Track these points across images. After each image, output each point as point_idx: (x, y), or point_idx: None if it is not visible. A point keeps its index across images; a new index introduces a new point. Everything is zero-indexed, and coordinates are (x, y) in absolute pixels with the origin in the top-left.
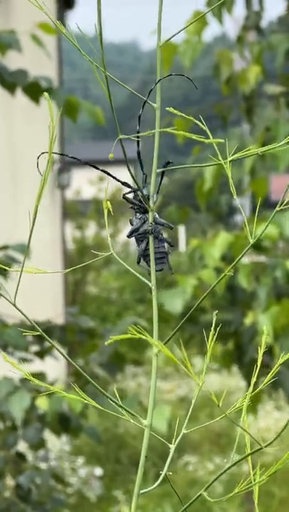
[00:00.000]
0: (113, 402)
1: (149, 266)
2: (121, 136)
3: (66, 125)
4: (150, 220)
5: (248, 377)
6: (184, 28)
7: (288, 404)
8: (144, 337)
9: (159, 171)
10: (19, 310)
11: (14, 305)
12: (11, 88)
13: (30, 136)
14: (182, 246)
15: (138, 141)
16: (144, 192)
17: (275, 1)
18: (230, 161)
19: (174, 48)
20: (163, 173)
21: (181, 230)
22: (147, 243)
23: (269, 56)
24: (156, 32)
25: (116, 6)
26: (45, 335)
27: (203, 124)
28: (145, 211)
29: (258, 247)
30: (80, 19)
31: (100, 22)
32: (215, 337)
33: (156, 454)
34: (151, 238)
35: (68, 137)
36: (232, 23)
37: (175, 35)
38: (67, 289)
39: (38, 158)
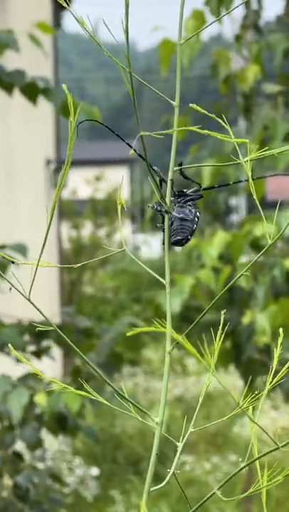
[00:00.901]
0: (128, 400)
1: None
2: (142, 133)
3: (62, 125)
4: (166, 223)
5: (245, 376)
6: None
7: (285, 404)
8: (164, 330)
9: (176, 169)
10: (34, 305)
11: (29, 300)
12: (8, 88)
13: (27, 136)
14: None
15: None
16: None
17: (273, 1)
18: (250, 161)
19: (172, 46)
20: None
21: None
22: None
23: (266, 55)
24: (155, 30)
25: (112, 6)
26: (60, 331)
27: (225, 122)
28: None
29: (256, 246)
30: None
31: (127, 29)
32: (211, 337)
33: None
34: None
35: (64, 137)
36: (229, 22)
37: (195, 34)
38: (63, 289)
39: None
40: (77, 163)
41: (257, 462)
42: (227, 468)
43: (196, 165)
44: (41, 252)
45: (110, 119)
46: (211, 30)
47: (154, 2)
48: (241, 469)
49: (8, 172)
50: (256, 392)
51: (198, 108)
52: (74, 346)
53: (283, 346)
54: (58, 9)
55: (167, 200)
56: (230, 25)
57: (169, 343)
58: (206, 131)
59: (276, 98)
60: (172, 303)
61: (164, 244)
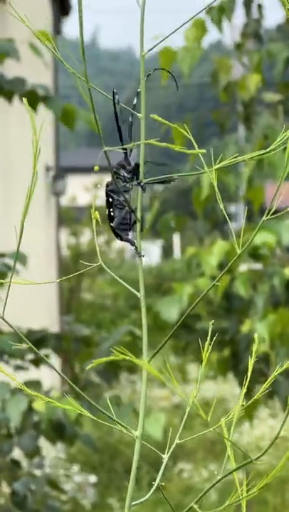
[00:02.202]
0: (106, 414)
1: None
2: (106, 148)
3: (61, 131)
4: (138, 244)
5: (243, 384)
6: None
7: (283, 412)
8: (128, 358)
9: (145, 181)
10: (7, 322)
11: (2, 318)
12: (8, 96)
13: (26, 143)
14: (177, 253)
15: (125, 153)
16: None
17: (273, 9)
18: (216, 169)
19: (173, 54)
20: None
21: (176, 237)
22: (124, 212)
23: (266, 63)
24: (154, 38)
25: (111, 13)
26: (34, 347)
27: (188, 133)
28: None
29: (255, 255)
30: (76, 26)
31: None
32: (211, 345)
33: (149, 461)
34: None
35: (63, 143)
36: (229, 30)
37: (158, 44)
38: (62, 296)
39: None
40: (77, 169)
41: (235, 476)
42: (224, 476)
43: (159, 177)
44: (13, 269)
45: (109, 126)
46: (210, 38)
47: (154, 9)
48: (212, 486)
49: (7, 179)
50: (247, 404)
51: (159, 118)
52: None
53: (281, 355)
54: (58, 16)
55: (138, 207)
56: (230, 32)
57: (146, 354)
58: (164, 144)
59: (276, 106)
60: (170, 311)
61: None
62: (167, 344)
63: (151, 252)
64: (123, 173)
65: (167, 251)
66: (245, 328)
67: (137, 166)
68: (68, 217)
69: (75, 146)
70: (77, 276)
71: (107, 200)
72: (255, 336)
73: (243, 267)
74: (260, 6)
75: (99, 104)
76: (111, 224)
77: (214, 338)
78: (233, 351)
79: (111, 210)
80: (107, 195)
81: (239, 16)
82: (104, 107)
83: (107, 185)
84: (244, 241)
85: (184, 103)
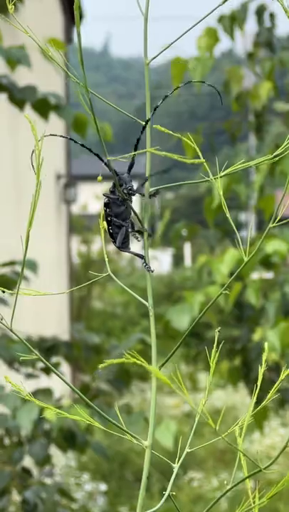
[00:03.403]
0: (116, 425)
1: (124, 249)
2: (109, 158)
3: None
4: (145, 243)
5: (254, 393)
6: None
7: None
8: (138, 362)
9: (152, 189)
10: (16, 335)
11: (11, 330)
12: (20, 104)
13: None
14: (188, 262)
15: (131, 163)
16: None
17: (285, 18)
18: (222, 177)
19: (185, 64)
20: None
21: (187, 246)
22: (125, 229)
23: (278, 73)
24: (163, 47)
25: (123, 21)
26: (43, 359)
27: (192, 142)
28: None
29: (266, 264)
30: (88, 33)
31: (81, 52)
32: (220, 354)
33: (159, 469)
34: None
35: (74, 152)
36: (240, 39)
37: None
38: (72, 304)
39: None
40: (88, 178)
41: (248, 483)
42: (234, 485)
43: (168, 185)
44: (20, 280)
45: (120, 134)
46: (222, 46)
47: (164, 17)
48: (226, 492)
49: (18, 187)
50: (254, 411)
51: (163, 129)
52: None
53: None
54: (70, 24)
55: (145, 218)
56: (241, 41)
57: (156, 361)
58: (164, 153)
59: (287, 116)
60: (181, 319)
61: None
62: (178, 352)
63: (162, 261)
64: (117, 193)
65: (178, 259)
66: (256, 336)
67: (129, 190)
68: (79, 225)
69: (86, 154)
70: (88, 285)
71: (106, 220)
72: (266, 344)
73: (254, 276)
74: (272, 15)
75: (110, 111)
76: (113, 242)
77: (223, 347)
78: (244, 360)
79: (110, 228)
80: (106, 215)
81: (251, 25)
82: (115, 114)
83: (105, 206)
84: (254, 249)
85: (196, 111)
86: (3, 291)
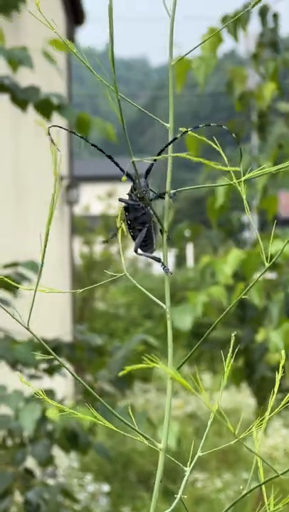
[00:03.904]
0: (129, 425)
1: (144, 250)
2: (134, 159)
3: (75, 141)
4: (164, 247)
5: (257, 394)
6: (197, 46)
7: None
8: (158, 366)
9: (172, 192)
10: (32, 333)
11: (28, 328)
12: (22, 105)
13: (39, 152)
14: (190, 262)
15: (152, 164)
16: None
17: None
18: (244, 181)
19: (188, 64)
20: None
21: (189, 247)
22: (144, 232)
23: (281, 73)
24: (166, 48)
25: (125, 22)
26: (59, 359)
27: (216, 144)
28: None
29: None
30: (90, 35)
31: (112, 45)
32: (223, 355)
33: (165, 470)
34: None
35: (77, 153)
36: (244, 39)
37: (190, 52)
38: (75, 305)
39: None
40: (90, 179)
41: (263, 489)
42: (238, 486)
43: (189, 187)
44: (39, 277)
45: (123, 135)
46: (225, 47)
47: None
48: (242, 497)
49: (20, 188)
50: (267, 410)
51: (187, 130)
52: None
53: None
54: (72, 25)
55: (166, 220)
56: (244, 42)
57: (171, 365)
58: (198, 159)
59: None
60: (184, 320)
61: (135, 252)
62: (181, 353)
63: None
64: (134, 195)
65: (180, 260)
66: (259, 337)
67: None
68: (81, 226)
69: (89, 155)
70: (100, 285)
71: (126, 223)
72: (270, 345)
73: (256, 276)
74: (275, 15)
75: (111, 113)
76: (134, 246)
77: (226, 347)
78: (247, 361)
79: (130, 231)
80: (125, 219)
81: (254, 25)
82: (116, 117)
83: (124, 209)
84: (257, 250)
85: (198, 112)
86: (17, 288)
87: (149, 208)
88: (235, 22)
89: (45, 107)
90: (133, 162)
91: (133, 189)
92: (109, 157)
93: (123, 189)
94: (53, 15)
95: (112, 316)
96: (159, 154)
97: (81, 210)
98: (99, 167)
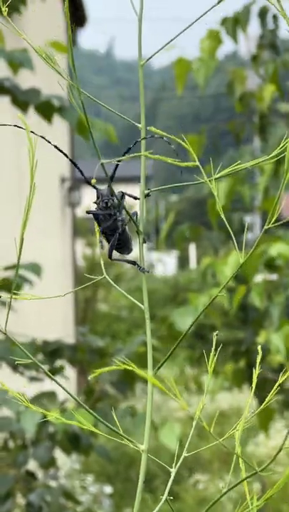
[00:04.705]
0: (111, 428)
1: (121, 252)
2: (102, 161)
3: (77, 143)
4: (140, 246)
5: (258, 396)
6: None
7: None
8: (132, 368)
9: (146, 191)
10: (11, 338)
11: (5, 333)
12: (23, 107)
13: (42, 155)
14: (193, 263)
15: (116, 165)
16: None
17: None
18: (216, 179)
19: (188, 65)
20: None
21: (192, 248)
22: (116, 238)
23: (282, 74)
24: (171, 48)
25: (126, 24)
26: (37, 361)
27: (187, 144)
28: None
29: (270, 266)
30: (92, 36)
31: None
32: (225, 356)
33: (165, 470)
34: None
35: (79, 154)
36: (245, 41)
37: (155, 54)
38: (77, 307)
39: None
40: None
41: (246, 486)
42: (240, 488)
43: (163, 187)
44: (14, 284)
45: (125, 137)
46: (226, 49)
47: (168, 19)
48: (219, 498)
49: (23, 190)
50: (260, 409)
51: (158, 131)
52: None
53: None
54: (73, 27)
55: (141, 224)
56: (245, 43)
57: (151, 368)
58: (158, 157)
59: None
60: (185, 321)
61: (110, 258)
62: (183, 354)
63: (167, 263)
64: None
65: (183, 261)
66: (260, 339)
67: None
68: (83, 228)
69: (91, 156)
70: (93, 287)
71: (100, 231)
72: (259, 349)
73: (258, 278)
74: (275, 17)
75: (112, 114)
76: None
77: (228, 349)
78: (249, 362)
79: (105, 237)
80: (97, 223)
81: (254, 27)
82: (120, 118)
83: (95, 219)
84: (259, 251)
85: (200, 113)
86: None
87: (117, 214)
88: (235, 24)
89: (46, 109)
90: (102, 164)
91: (98, 196)
92: (72, 161)
93: (125, 190)
94: (54, 17)
95: (115, 317)
96: (124, 155)
97: (83, 211)
98: (101, 169)
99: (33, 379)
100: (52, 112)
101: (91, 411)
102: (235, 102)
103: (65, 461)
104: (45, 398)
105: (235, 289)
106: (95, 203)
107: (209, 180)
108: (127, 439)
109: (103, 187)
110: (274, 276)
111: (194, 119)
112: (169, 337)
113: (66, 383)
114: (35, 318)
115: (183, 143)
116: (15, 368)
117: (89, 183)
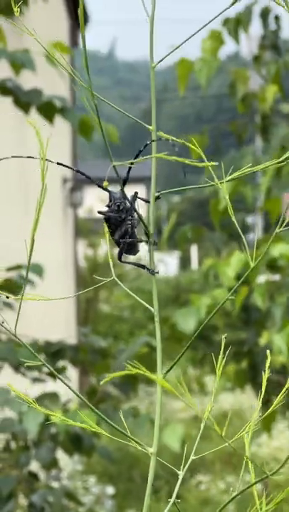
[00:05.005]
0: (122, 432)
1: (127, 254)
2: (114, 163)
3: (79, 143)
4: (150, 249)
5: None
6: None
7: None
8: (141, 372)
9: (157, 194)
10: (20, 340)
11: (15, 335)
12: (25, 108)
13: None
14: (194, 264)
15: (129, 168)
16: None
17: None
18: (241, 177)
19: (190, 65)
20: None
21: (194, 249)
22: (126, 240)
23: (284, 74)
24: (169, 50)
25: (128, 24)
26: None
27: (196, 146)
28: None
29: (273, 267)
30: (94, 37)
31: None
32: (227, 357)
33: (168, 470)
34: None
35: (81, 155)
36: (247, 42)
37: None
38: (79, 307)
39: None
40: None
41: (254, 490)
42: (242, 488)
43: (174, 189)
44: (25, 284)
45: (127, 138)
46: (228, 49)
47: (169, 20)
48: (233, 498)
49: (25, 190)
50: (268, 412)
51: (166, 136)
52: None
53: None
54: (75, 28)
55: (151, 226)
56: (247, 43)
57: (160, 370)
58: (174, 158)
59: None
60: (187, 322)
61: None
62: (185, 355)
63: (169, 264)
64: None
65: (185, 262)
66: (263, 339)
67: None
68: (85, 229)
69: (93, 157)
70: (95, 288)
71: (108, 230)
72: (268, 351)
73: (260, 279)
74: (277, 17)
75: (116, 115)
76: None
77: (231, 350)
78: (251, 363)
79: (114, 238)
80: (107, 225)
81: (256, 27)
82: (121, 118)
83: (105, 220)
84: (261, 253)
85: (202, 114)
86: (7, 297)
87: (129, 217)
88: (237, 24)
89: (48, 110)
90: (114, 166)
91: (110, 199)
92: (78, 171)
93: (128, 191)
94: (56, 18)
95: (117, 318)
96: (135, 157)
97: (85, 212)
98: (103, 169)
99: (35, 380)
100: (54, 112)
101: (98, 412)
102: (238, 102)
103: (68, 462)
104: (48, 399)
105: (238, 290)
106: (108, 206)
107: (220, 183)
108: (136, 442)
109: (113, 189)
110: (276, 277)
111: (196, 119)
112: (172, 338)
113: (69, 383)
114: (37, 319)
115: (190, 144)
116: (17, 368)
117: (101, 186)
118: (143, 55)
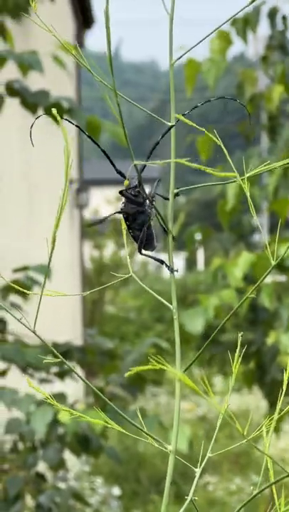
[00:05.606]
0: (139, 428)
1: (144, 249)
2: (135, 162)
3: (84, 144)
4: (170, 246)
5: (269, 396)
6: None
7: None
8: (165, 368)
9: (176, 191)
10: (39, 337)
11: (34, 332)
12: (32, 109)
13: (49, 156)
14: (200, 265)
15: (144, 166)
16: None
17: None
18: (248, 178)
19: (198, 66)
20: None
21: (200, 250)
22: (144, 232)
23: None
24: (180, 50)
25: (135, 26)
26: (68, 364)
27: (218, 139)
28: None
29: (280, 267)
30: (99, 39)
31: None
32: (228, 357)
33: (176, 472)
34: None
35: (86, 156)
36: (253, 42)
37: (184, 54)
38: (85, 309)
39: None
40: (99, 182)
41: (274, 489)
42: (249, 489)
43: (191, 186)
44: (45, 281)
45: (133, 139)
46: (234, 50)
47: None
48: (253, 497)
49: (30, 192)
50: (278, 415)
51: (188, 121)
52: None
53: None
54: (81, 29)
55: (170, 223)
56: (253, 44)
57: (179, 367)
58: (195, 166)
59: None
60: (195, 323)
61: (140, 253)
62: (191, 356)
63: (175, 265)
64: (132, 194)
65: (191, 263)
66: (270, 340)
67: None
68: (91, 230)
69: (98, 158)
70: (100, 290)
71: (126, 225)
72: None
73: (268, 279)
74: (284, 18)
75: (123, 115)
76: (137, 247)
77: (235, 350)
78: (259, 363)
79: (130, 232)
80: (125, 220)
81: (264, 28)
82: (128, 119)
83: (121, 210)
84: (270, 253)
85: (208, 115)
86: (26, 294)
87: (146, 207)
88: (245, 24)
89: (56, 111)
90: (135, 165)
91: (130, 185)
92: (111, 162)
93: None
94: (62, 19)
95: (123, 319)
96: (154, 146)
97: (91, 213)
98: (108, 170)
99: (43, 381)
100: (61, 113)
101: (115, 407)
102: (247, 103)
103: (75, 463)
104: (55, 400)
105: (245, 290)
106: (125, 191)
107: (241, 180)
108: (154, 439)
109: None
110: (283, 278)
111: (202, 120)
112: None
113: (75, 386)
114: (44, 321)
115: (211, 135)
116: (24, 370)
117: (121, 173)
118: (148, 57)
